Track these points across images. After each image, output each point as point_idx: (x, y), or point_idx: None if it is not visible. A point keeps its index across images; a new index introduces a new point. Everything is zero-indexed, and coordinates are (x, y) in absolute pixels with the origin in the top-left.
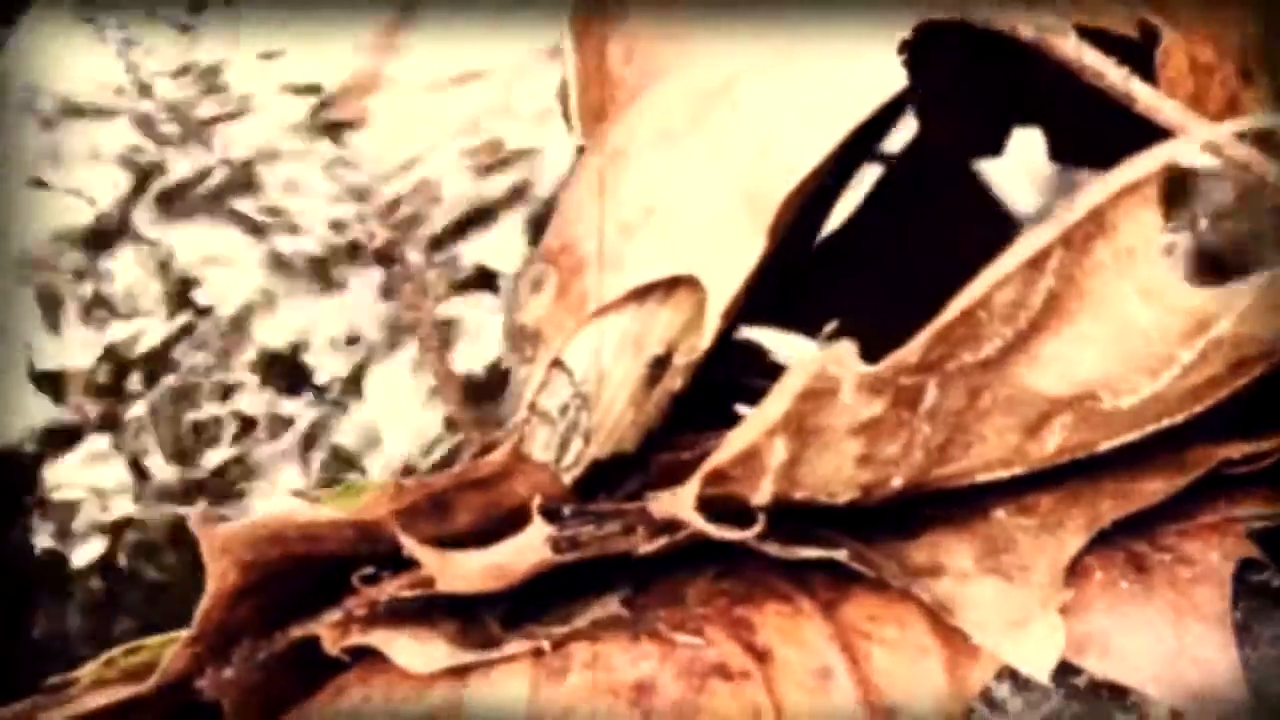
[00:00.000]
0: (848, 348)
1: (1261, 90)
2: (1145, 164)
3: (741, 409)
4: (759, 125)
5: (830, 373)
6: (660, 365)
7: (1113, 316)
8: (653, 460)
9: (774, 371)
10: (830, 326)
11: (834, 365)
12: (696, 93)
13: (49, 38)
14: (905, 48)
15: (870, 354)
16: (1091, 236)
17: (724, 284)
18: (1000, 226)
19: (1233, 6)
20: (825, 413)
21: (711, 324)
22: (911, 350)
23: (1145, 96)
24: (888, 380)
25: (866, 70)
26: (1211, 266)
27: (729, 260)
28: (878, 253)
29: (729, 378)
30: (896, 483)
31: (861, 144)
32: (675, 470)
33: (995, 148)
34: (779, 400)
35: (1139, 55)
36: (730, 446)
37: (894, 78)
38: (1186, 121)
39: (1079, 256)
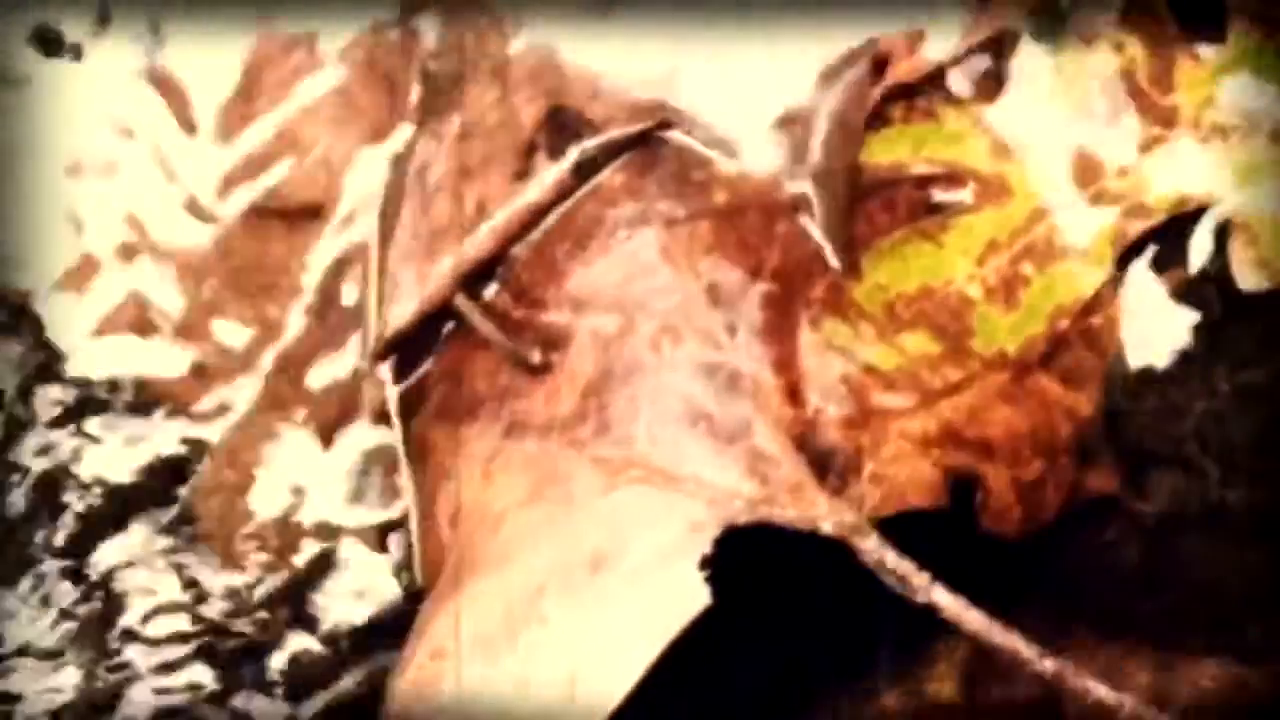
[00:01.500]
0: None
1: (1105, 465)
2: None
3: None
4: (567, 648)
5: None
6: None
7: None
8: None
9: None
10: None
11: None
12: (509, 600)
13: None
14: (707, 563)
15: None
16: None
17: None
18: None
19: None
20: None
21: None
22: None
23: (948, 604)
24: None
25: (670, 588)
26: None
27: None
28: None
29: None
30: None
31: None
32: None
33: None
34: None
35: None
36: None
37: (698, 595)
38: (990, 630)
39: None
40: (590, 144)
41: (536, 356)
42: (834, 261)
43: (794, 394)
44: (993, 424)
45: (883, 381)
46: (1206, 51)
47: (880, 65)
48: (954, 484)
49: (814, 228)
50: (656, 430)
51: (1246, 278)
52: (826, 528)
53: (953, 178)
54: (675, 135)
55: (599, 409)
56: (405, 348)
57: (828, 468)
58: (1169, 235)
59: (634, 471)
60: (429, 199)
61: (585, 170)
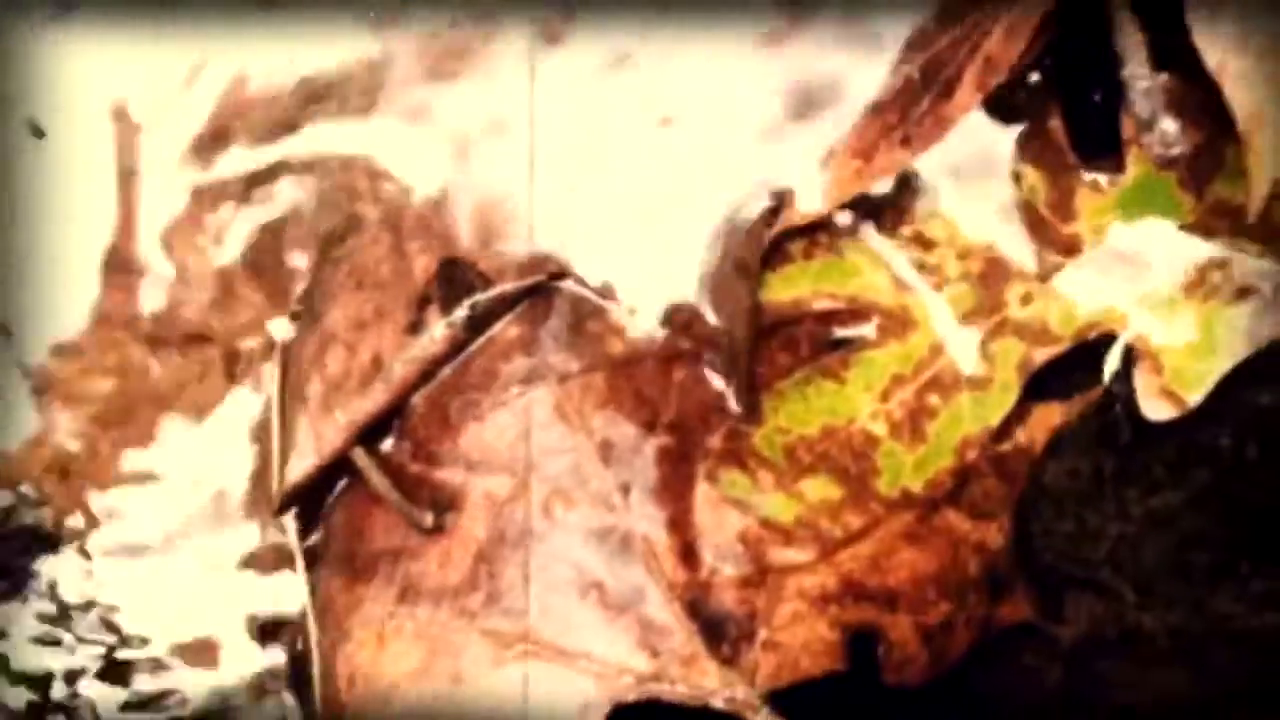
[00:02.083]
0: None
1: (1019, 594)
2: None
3: None
4: None
5: None
6: None
7: None
8: None
9: None
10: None
11: None
12: None
13: None
14: None
15: None
16: None
17: None
18: None
19: None
20: None
21: None
22: None
23: None
24: None
25: None
26: None
27: None
28: None
29: None
30: None
31: None
32: None
33: None
34: None
35: None
36: None
37: None
38: None
39: None
40: (482, 297)
41: (429, 520)
42: (734, 407)
43: (688, 555)
44: (896, 570)
45: (781, 535)
46: (1105, 180)
47: (776, 206)
48: (855, 636)
49: (713, 373)
50: (547, 601)
51: (1151, 407)
52: (717, 703)
53: (855, 312)
54: (569, 285)
55: (490, 577)
56: (307, 500)
57: (721, 635)
58: (1077, 361)
59: (523, 646)
60: (324, 351)
61: (478, 323)
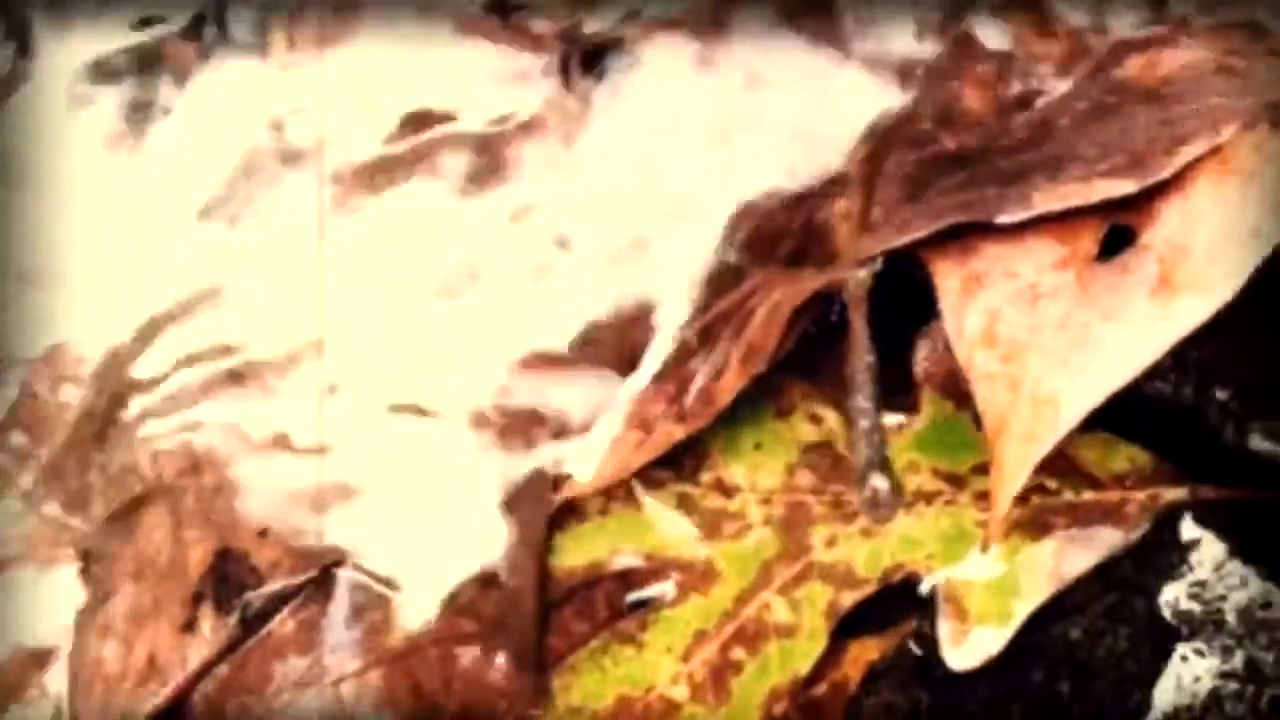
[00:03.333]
0: None
1: None
2: None
3: None
4: None
5: None
6: None
7: None
8: None
9: None
10: None
11: None
12: None
13: None
14: None
15: None
16: None
17: None
18: None
19: None
20: None
21: None
22: None
23: None
24: None
25: None
26: None
27: None
28: None
29: None
30: None
31: None
32: None
33: None
34: None
35: None
36: None
37: None
38: None
39: None
40: (255, 595)
41: None
42: (521, 691)
43: None
44: None
45: None
46: (902, 420)
47: (558, 480)
48: None
49: (501, 655)
50: None
51: (955, 656)
52: None
53: (654, 570)
54: (348, 574)
55: None
56: None
57: None
58: (890, 596)
59: None
60: (102, 644)
61: (251, 624)
